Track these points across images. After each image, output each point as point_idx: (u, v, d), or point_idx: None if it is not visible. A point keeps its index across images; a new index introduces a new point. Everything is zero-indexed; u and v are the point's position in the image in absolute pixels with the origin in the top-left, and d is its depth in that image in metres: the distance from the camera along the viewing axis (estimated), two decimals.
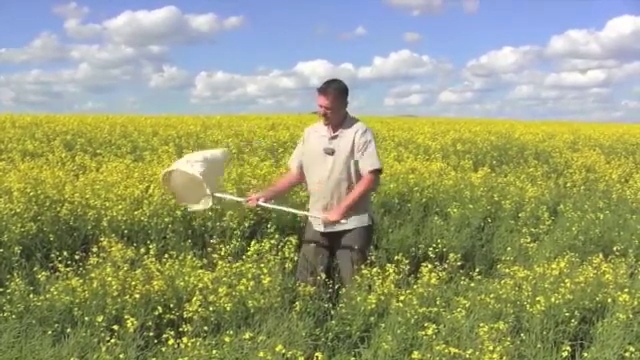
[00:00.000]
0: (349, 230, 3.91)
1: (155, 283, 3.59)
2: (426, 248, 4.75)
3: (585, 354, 3.27)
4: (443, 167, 8.08)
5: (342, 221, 3.85)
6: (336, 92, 3.89)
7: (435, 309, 3.51)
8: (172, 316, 3.43)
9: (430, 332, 3.12)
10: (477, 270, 4.22)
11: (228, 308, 3.41)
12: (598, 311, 3.73)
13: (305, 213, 4.21)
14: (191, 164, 4.01)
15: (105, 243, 4.17)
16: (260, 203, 4.05)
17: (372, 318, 3.51)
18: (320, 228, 3.98)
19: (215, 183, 4.12)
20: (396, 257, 4.11)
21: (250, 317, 3.46)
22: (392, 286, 3.70)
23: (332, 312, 3.63)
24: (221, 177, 4.53)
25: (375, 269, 3.79)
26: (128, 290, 3.54)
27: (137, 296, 3.46)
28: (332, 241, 3.98)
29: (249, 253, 4.01)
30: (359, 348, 3.33)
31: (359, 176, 3.92)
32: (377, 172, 3.97)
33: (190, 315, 3.30)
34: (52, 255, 4.10)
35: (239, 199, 4.25)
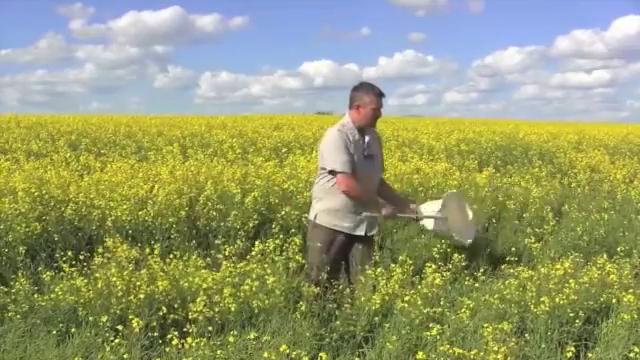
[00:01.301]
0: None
1: (160, 283, 3.59)
2: (431, 248, 4.74)
3: (590, 355, 3.27)
4: (448, 167, 8.07)
5: None
6: None
7: (439, 309, 3.50)
8: (176, 316, 3.43)
9: (434, 332, 3.11)
10: (481, 270, 4.21)
11: (232, 308, 3.41)
12: (602, 312, 3.71)
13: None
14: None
15: (110, 243, 4.17)
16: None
17: (376, 318, 3.51)
18: (361, 232, 3.92)
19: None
20: (400, 257, 4.10)
21: (254, 317, 3.46)
22: (396, 286, 3.70)
23: (337, 312, 3.62)
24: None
25: (379, 269, 3.78)
26: (133, 290, 3.54)
27: (142, 296, 3.45)
28: (352, 245, 3.97)
29: (253, 253, 4.00)
30: (363, 348, 3.33)
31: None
32: None
33: (194, 315, 3.31)
34: (57, 255, 4.11)
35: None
